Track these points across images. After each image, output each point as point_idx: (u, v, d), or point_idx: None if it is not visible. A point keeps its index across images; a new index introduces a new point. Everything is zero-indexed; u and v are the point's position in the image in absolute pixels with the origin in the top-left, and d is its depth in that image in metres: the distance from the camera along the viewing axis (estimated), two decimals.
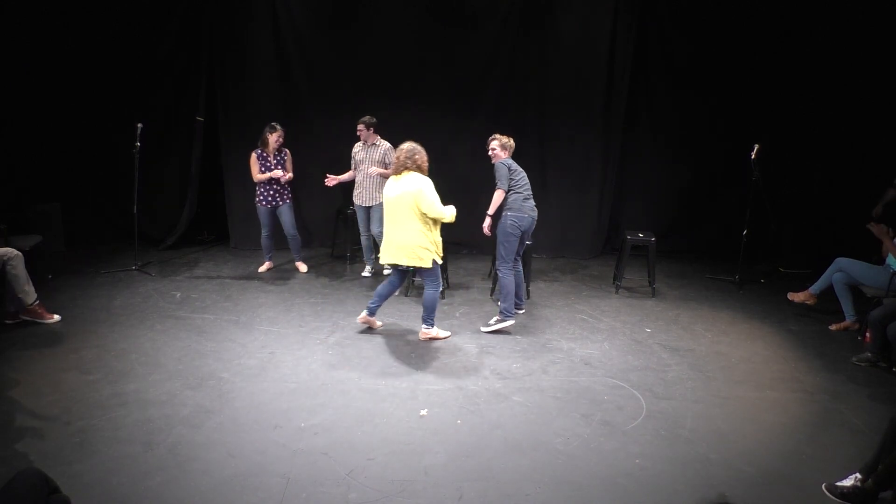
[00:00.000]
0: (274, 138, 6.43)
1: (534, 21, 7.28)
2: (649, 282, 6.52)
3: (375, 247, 6.57)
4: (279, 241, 6.94)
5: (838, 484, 3.33)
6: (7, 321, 5.23)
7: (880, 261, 5.55)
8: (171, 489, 3.24)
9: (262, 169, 6.46)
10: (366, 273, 6.84)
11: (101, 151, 7.56)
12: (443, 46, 7.37)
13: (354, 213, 6.78)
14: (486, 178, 6.75)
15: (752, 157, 6.38)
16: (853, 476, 3.34)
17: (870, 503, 3.23)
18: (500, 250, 5.39)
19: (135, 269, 6.72)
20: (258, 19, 7.23)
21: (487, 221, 5.51)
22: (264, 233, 6.71)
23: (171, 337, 5.12)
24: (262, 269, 6.87)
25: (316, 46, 7.37)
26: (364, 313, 5.31)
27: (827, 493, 3.33)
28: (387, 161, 6.39)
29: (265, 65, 7.36)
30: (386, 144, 6.45)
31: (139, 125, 6.49)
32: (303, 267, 6.90)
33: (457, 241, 7.66)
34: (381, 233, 6.09)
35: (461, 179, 7.23)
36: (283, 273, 6.85)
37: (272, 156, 6.49)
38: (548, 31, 7.30)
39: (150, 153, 6.88)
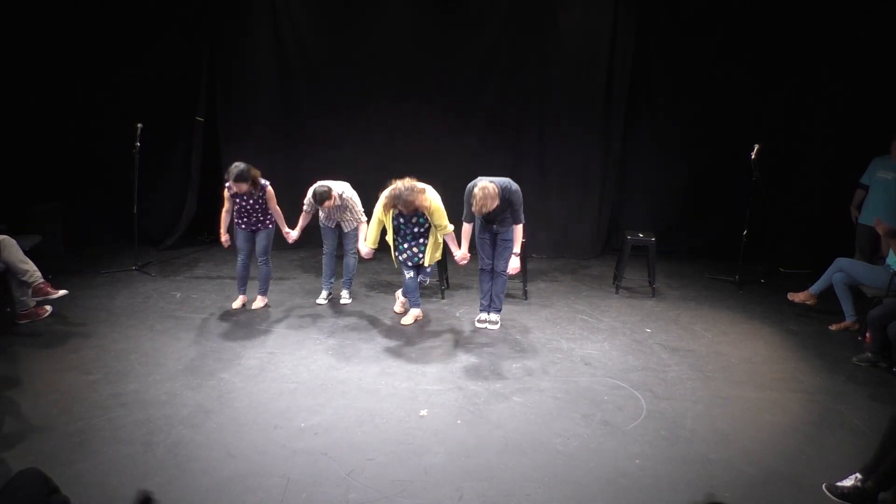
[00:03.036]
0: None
1: (534, 20, 7.28)
2: (649, 282, 6.52)
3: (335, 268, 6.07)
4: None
5: (838, 484, 3.33)
6: (19, 321, 5.25)
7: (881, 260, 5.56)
8: (171, 489, 3.23)
9: (238, 209, 5.53)
10: (321, 300, 6.02)
11: (100, 151, 7.56)
12: (443, 46, 7.37)
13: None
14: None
15: (752, 157, 6.38)
16: (853, 476, 3.33)
17: (870, 503, 3.22)
18: (510, 254, 5.32)
19: (135, 269, 6.71)
20: (258, 19, 7.23)
21: (517, 262, 5.30)
22: (241, 258, 5.72)
23: (171, 337, 5.12)
24: (236, 304, 5.80)
25: (315, 46, 7.37)
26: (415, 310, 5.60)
27: (827, 493, 3.33)
28: (349, 206, 5.76)
29: (265, 64, 7.36)
30: (344, 190, 5.72)
31: (139, 125, 6.49)
32: (261, 302, 5.82)
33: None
34: (355, 251, 5.92)
35: (460, 179, 7.21)
36: (282, 273, 6.84)
37: (246, 195, 5.47)
38: (548, 30, 7.30)
39: (150, 153, 6.87)
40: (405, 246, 5.41)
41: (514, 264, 5.31)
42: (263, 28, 7.26)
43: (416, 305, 5.63)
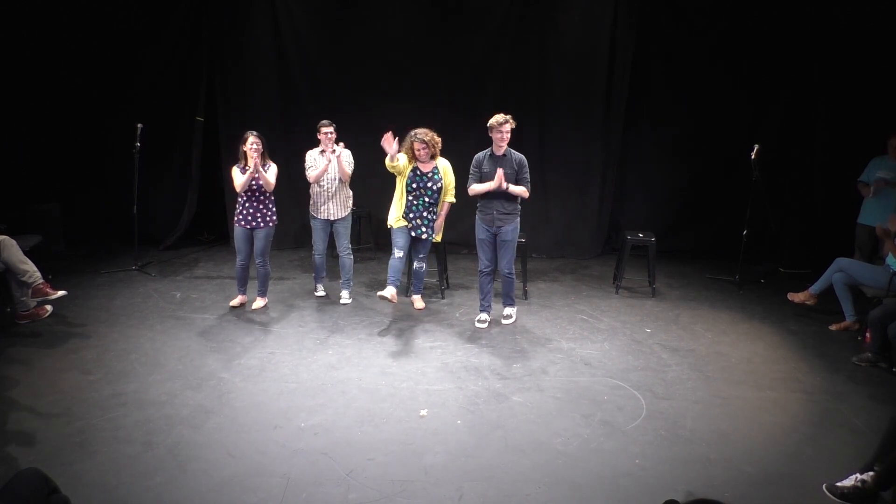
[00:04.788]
0: (247, 146, 5.45)
1: (534, 21, 7.29)
2: (649, 282, 6.52)
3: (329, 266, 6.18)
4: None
5: (838, 484, 3.33)
6: (19, 321, 5.25)
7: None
8: (171, 489, 3.24)
9: (247, 192, 5.54)
10: (320, 293, 6.12)
11: (100, 151, 7.57)
12: (443, 45, 7.38)
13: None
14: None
15: (752, 157, 6.38)
16: (853, 476, 3.33)
17: (870, 503, 3.23)
18: (512, 256, 5.43)
19: (135, 269, 6.72)
20: (258, 19, 7.25)
21: (504, 185, 5.19)
22: (239, 260, 5.70)
23: (171, 337, 5.12)
24: (234, 303, 5.79)
25: (316, 45, 7.38)
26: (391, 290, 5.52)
27: (827, 493, 3.33)
28: (348, 162, 5.82)
29: (265, 64, 7.37)
30: (345, 149, 5.83)
31: (139, 125, 6.49)
32: (260, 302, 5.81)
33: (457, 241, 7.66)
34: (349, 250, 6.02)
35: (460, 178, 7.23)
36: (282, 273, 6.84)
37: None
38: (548, 31, 7.31)
39: (150, 153, 6.88)
40: (411, 215, 5.57)
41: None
42: (263, 27, 7.27)
43: (394, 285, 5.46)
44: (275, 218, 5.69)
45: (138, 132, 6.48)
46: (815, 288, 5.75)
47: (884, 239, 5.27)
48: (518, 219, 5.38)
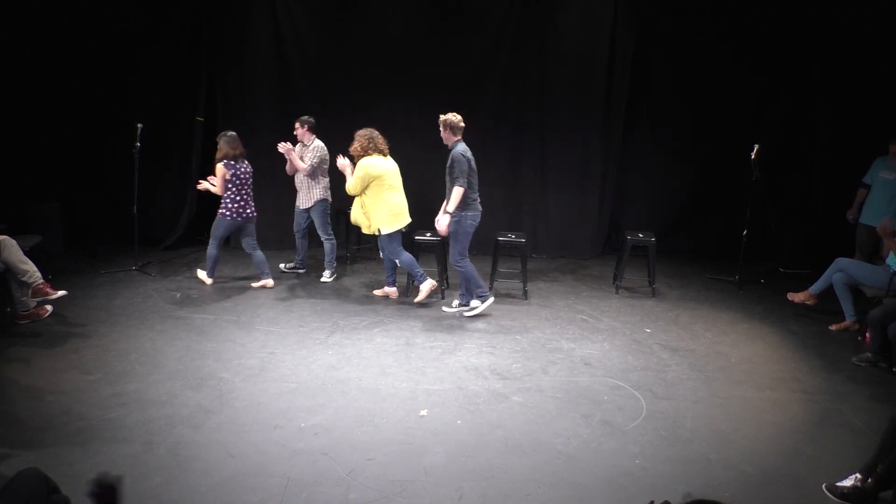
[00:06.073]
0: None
1: (534, 21, 7.28)
2: (649, 282, 6.52)
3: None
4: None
5: (838, 484, 3.33)
6: (19, 321, 5.24)
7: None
8: (171, 489, 3.24)
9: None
10: (287, 265, 6.85)
11: (100, 151, 7.56)
12: (443, 45, 7.37)
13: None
14: (486, 176, 6.79)
15: (752, 157, 6.38)
16: (853, 476, 3.34)
17: (870, 503, 3.23)
18: (458, 247, 5.57)
19: (135, 269, 6.71)
20: (258, 19, 7.24)
21: (446, 219, 5.46)
22: None
23: (171, 337, 5.12)
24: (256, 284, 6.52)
25: (316, 45, 7.38)
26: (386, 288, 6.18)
27: (827, 493, 3.33)
28: (309, 157, 6.36)
29: (265, 64, 7.37)
30: (318, 142, 6.41)
31: (139, 125, 6.49)
32: (202, 275, 6.47)
33: None
34: (327, 236, 6.58)
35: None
36: (282, 273, 6.84)
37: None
38: (548, 30, 7.31)
39: (150, 153, 6.87)
40: None
41: (442, 222, 5.48)
42: (263, 28, 7.26)
43: (387, 283, 6.18)
44: (222, 211, 6.16)
45: (138, 132, 6.48)
46: (815, 288, 5.75)
47: (887, 236, 5.25)
48: (461, 216, 5.45)
